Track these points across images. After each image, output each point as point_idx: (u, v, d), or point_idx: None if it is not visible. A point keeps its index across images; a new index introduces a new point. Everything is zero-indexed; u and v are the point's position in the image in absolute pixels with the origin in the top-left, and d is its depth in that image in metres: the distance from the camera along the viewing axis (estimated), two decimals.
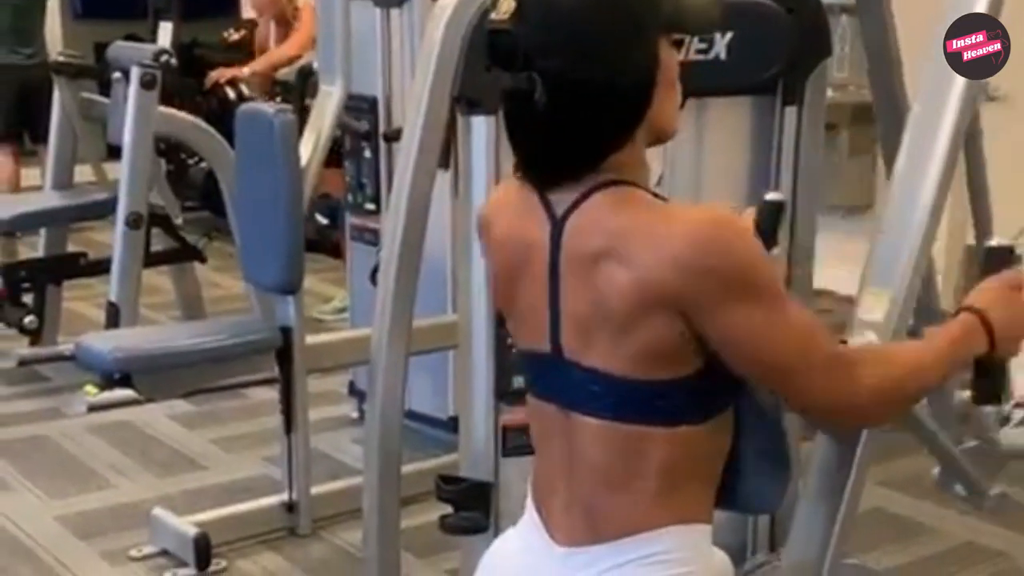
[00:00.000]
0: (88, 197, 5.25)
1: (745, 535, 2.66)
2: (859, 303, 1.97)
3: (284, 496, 3.68)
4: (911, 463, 4.13)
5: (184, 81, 6.55)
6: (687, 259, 1.46)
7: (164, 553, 3.54)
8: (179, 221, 5.07)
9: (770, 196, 1.88)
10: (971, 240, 3.12)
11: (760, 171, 2.62)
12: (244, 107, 3.77)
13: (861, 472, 1.95)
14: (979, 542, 3.61)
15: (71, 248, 5.30)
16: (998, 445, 2.17)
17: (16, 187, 6.56)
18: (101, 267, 4.89)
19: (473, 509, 2.39)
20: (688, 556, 1.58)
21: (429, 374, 4.01)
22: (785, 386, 1.56)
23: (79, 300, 5.64)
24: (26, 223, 5.17)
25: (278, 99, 6.33)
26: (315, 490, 3.72)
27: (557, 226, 1.55)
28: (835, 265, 3.54)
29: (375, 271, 3.38)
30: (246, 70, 6.89)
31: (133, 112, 4.50)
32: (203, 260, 5.28)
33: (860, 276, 2.00)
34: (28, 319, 4.97)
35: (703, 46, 2.37)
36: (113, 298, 4.54)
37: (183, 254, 5.15)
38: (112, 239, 4.68)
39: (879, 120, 2.67)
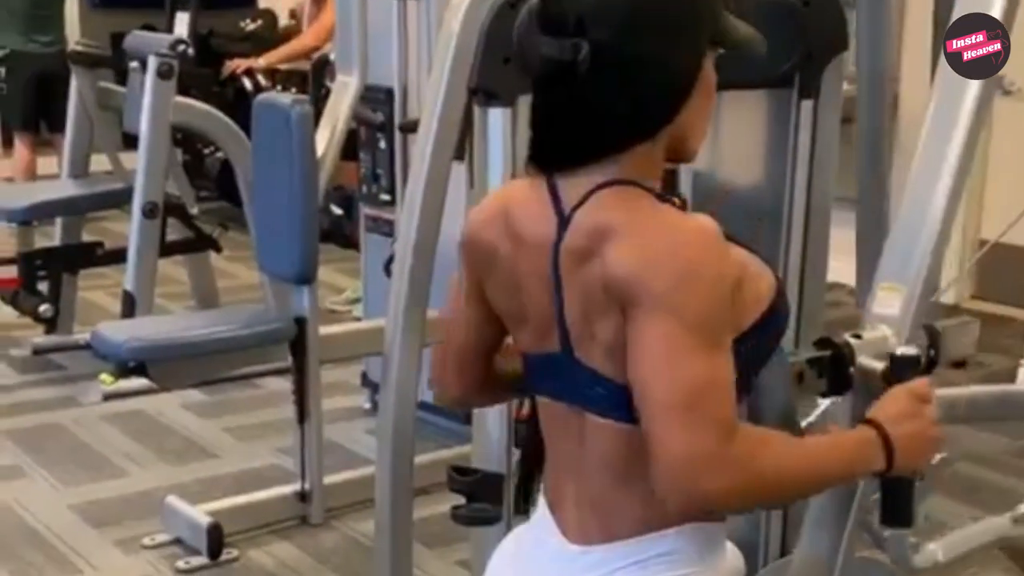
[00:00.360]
0: (104, 186, 5.27)
1: (757, 532, 2.65)
2: (873, 297, 1.97)
3: (297, 485, 3.69)
4: None
5: (201, 71, 6.57)
6: (644, 261, 1.43)
7: (177, 541, 3.56)
8: (195, 211, 5.08)
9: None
10: (985, 234, 3.12)
11: (776, 164, 2.61)
12: (261, 97, 3.77)
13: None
14: None
15: (87, 237, 5.32)
16: (914, 570, 2.10)
17: (32, 176, 6.58)
18: (117, 256, 4.91)
19: (485, 500, 2.39)
20: (701, 555, 1.57)
21: None
22: (649, 420, 1.42)
23: (95, 289, 5.66)
24: (42, 212, 5.18)
25: (293, 89, 6.34)
26: (328, 480, 3.73)
27: (563, 224, 1.53)
28: (848, 259, 3.54)
29: (389, 262, 3.38)
30: (262, 61, 6.90)
31: (150, 102, 4.51)
32: (218, 250, 5.29)
33: (877, 269, 2.00)
34: (44, 308, 4.98)
35: None
36: (129, 287, 4.55)
37: (198, 244, 5.16)
38: (128, 229, 4.69)
39: (859, 108, 2.65)
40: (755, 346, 1.55)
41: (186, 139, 6.46)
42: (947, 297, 5.41)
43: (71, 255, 5.16)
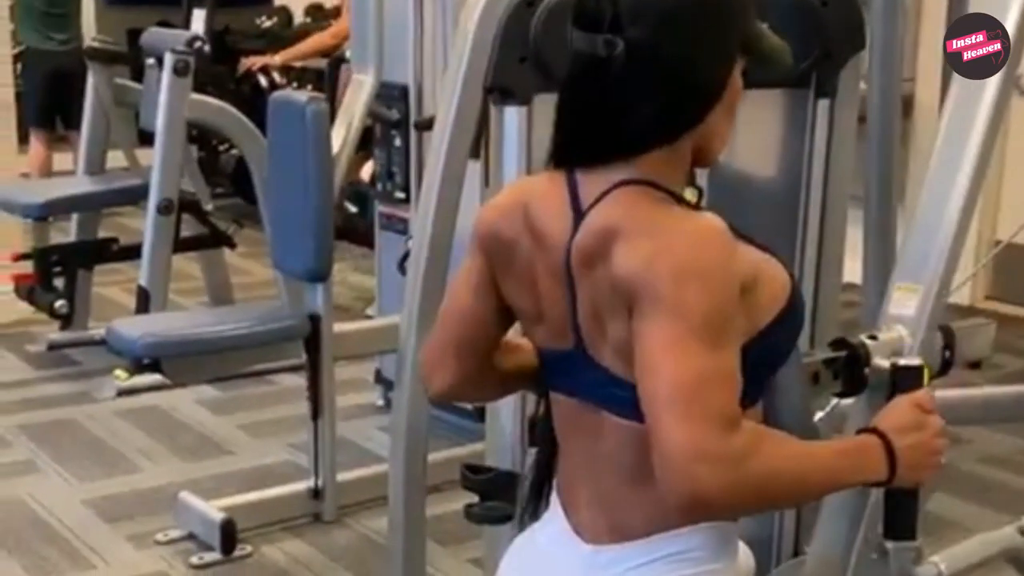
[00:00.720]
0: (120, 183, 5.29)
1: (771, 531, 2.65)
2: (889, 297, 1.97)
3: (310, 482, 3.70)
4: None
5: (216, 68, 6.58)
6: (649, 261, 1.42)
7: (190, 537, 3.57)
8: (209, 207, 5.09)
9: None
10: (1000, 235, 3.11)
11: (793, 163, 2.61)
12: (276, 95, 3.78)
13: None
14: None
15: (102, 233, 5.33)
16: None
17: (48, 172, 6.60)
18: (132, 252, 4.92)
19: (499, 499, 2.39)
20: (714, 554, 1.57)
21: None
22: (651, 415, 1.40)
23: (110, 285, 5.68)
24: (58, 208, 5.20)
25: (309, 87, 6.35)
26: (341, 477, 3.73)
27: (579, 220, 1.53)
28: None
29: (404, 260, 3.39)
30: (277, 58, 6.91)
31: (166, 98, 4.52)
32: (233, 246, 5.30)
33: (893, 270, 1.99)
34: (59, 303, 5.00)
35: None
36: (143, 283, 4.57)
37: (213, 240, 5.17)
38: (143, 225, 4.70)
39: (869, 107, 2.65)
40: (771, 346, 1.54)
41: (201, 136, 6.46)
42: (961, 298, 5.40)
43: (86, 251, 5.18)
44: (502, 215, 1.64)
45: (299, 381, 3.89)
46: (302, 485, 3.73)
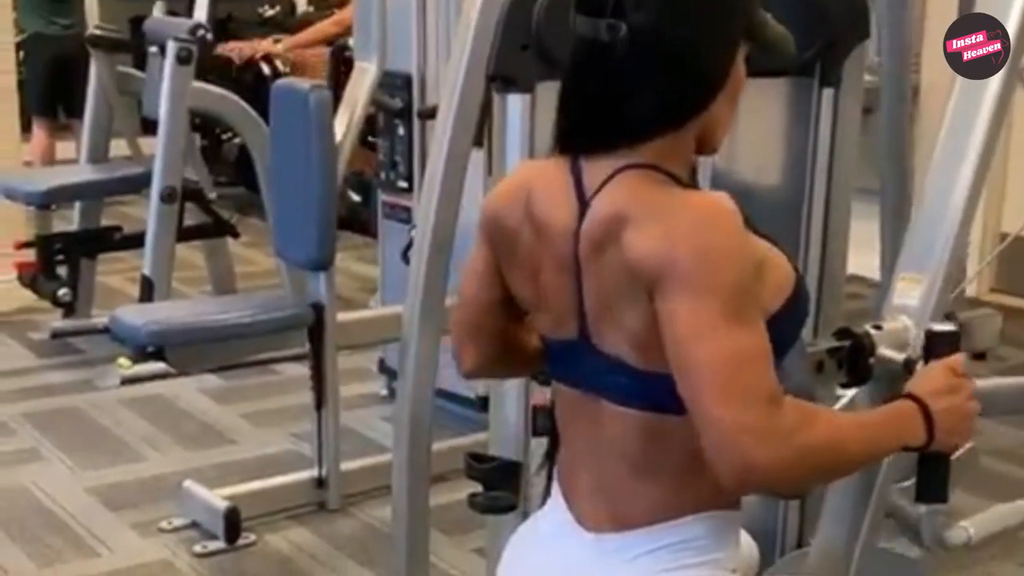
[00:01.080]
0: (123, 171, 5.28)
1: (775, 522, 2.65)
2: (893, 288, 1.96)
3: (314, 471, 3.70)
4: None
5: (219, 56, 6.57)
6: (665, 242, 1.43)
7: (194, 525, 3.57)
8: (212, 196, 5.08)
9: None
10: (1005, 227, 3.11)
11: (797, 153, 2.60)
12: (279, 83, 3.77)
13: (893, 459, 1.93)
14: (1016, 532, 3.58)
15: (105, 222, 5.33)
16: (947, 546, 2.10)
17: (50, 161, 6.59)
18: (135, 241, 4.92)
19: (502, 488, 2.39)
20: (717, 542, 1.57)
21: None
22: (696, 397, 1.41)
23: (113, 274, 5.68)
24: (61, 196, 5.20)
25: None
26: (344, 466, 3.73)
27: (584, 208, 1.53)
28: (866, 251, 3.51)
29: (407, 249, 3.38)
30: (280, 46, 6.90)
31: (168, 86, 4.51)
32: (236, 235, 5.29)
33: (897, 261, 1.99)
34: (62, 292, 5.00)
35: None
36: (147, 272, 4.57)
37: (216, 229, 5.16)
38: (146, 214, 4.70)
39: (884, 96, 2.64)
40: (775, 337, 1.53)
41: (204, 124, 6.46)
42: (967, 290, 5.38)
43: (89, 239, 5.18)
44: (505, 203, 1.63)
45: (302, 370, 3.89)
46: (306, 474, 3.73)
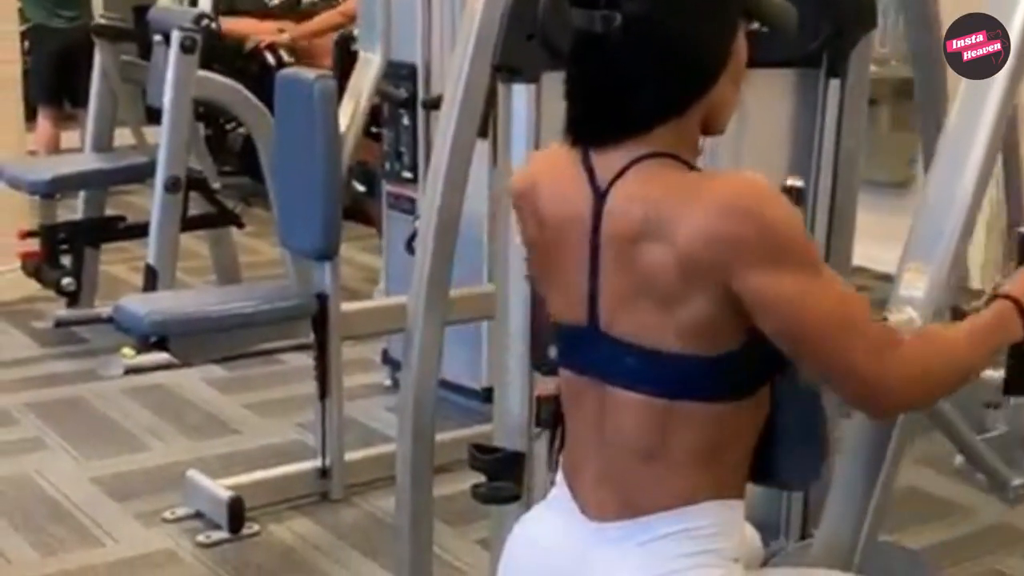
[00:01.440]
0: (127, 161, 5.27)
1: (779, 514, 2.65)
2: (899, 279, 1.95)
3: (317, 462, 3.70)
4: (947, 442, 4.11)
5: (224, 45, 6.55)
6: (718, 229, 1.44)
7: (197, 515, 3.57)
8: (217, 186, 5.08)
9: None
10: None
11: (803, 144, 2.59)
12: (284, 72, 3.76)
13: (897, 452, 1.93)
14: (1016, 524, 3.58)
15: (109, 211, 5.33)
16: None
17: (55, 150, 6.59)
18: (139, 231, 4.92)
19: (506, 479, 2.39)
20: (721, 531, 1.57)
21: (464, 344, 4.00)
22: (818, 358, 1.51)
23: (117, 263, 5.68)
24: (65, 185, 5.20)
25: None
26: (348, 456, 3.73)
27: (600, 199, 1.54)
28: (873, 242, 3.50)
29: (412, 240, 3.38)
30: (285, 36, 6.89)
31: (173, 76, 4.51)
32: (240, 225, 5.29)
33: (901, 252, 1.98)
34: (66, 281, 5.00)
35: None
36: (151, 261, 4.57)
37: (220, 219, 5.16)
38: (150, 203, 4.70)
39: (918, 94, 2.63)
40: (750, 359, 1.56)
41: (209, 114, 6.45)
42: (973, 282, 5.37)
43: (93, 229, 5.18)
44: (523, 190, 1.67)
45: (306, 361, 3.89)
46: (310, 464, 3.73)
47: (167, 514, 3.59)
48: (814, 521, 2.41)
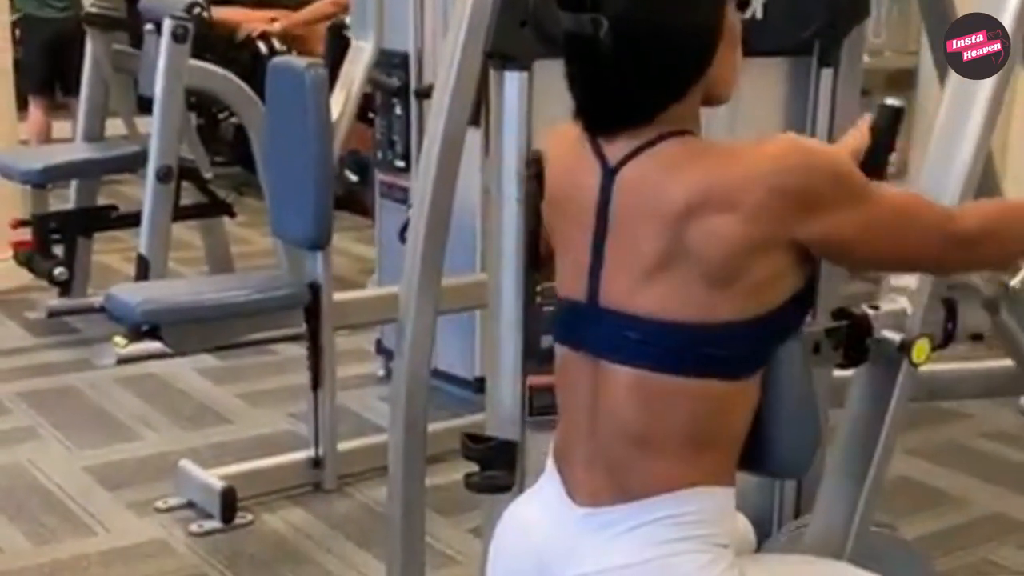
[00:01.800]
0: (119, 150, 5.26)
1: (771, 502, 2.64)
2: None
3: (310, 452, 3.70)
4: (940, 432, 4.13)
5: (216, 34, 6.53)
6: (783, 185, 1.49)
7: (190, 505, 3.57)
8: (209, 176, 5.07)
9: (889, 101, 1.96)
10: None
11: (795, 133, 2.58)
12: (275, 61, 3.75)
13: (889, 440, 1.93)
14: (1008, 513, 3.59)
15: (101, 201, 5.32)
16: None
17: (47, 140, 6.57)
18: (131, 220, 4.91)
19: (498, 468, 2.38)
20: (712, 517, 1.58)
21: (456, 334, 4.00)
22: (910, 265, 1.76)
23: (109, 253, 5.67)
24: (57, 175, 5.18)
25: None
26: (341, 446, 3.73)
27: (608, 175, 1.56)
28: None
29: (404, 229, 3.37)
30: (277, 25, 6.87)
31: (164, 65, 4.49)
32: (232, 215, 5.28)
33: None
34: (58, 271, 4.99)
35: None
36: (143, 251, 4.55)
37: (212, 209, 5.15)
38: (142, 193, 4.68)
39: (942, 80, 2.62)
40: (784, 319, 1.59)
41: (201, 103, 6.43)
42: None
43: (85, 218, 5.17)
44: (551, 149, 1.72)
45: (299, 351, 3.89)
46: (302, 454, 3.73)
47: (160, 504, 3.59)
48: (806, 510, 2.41)
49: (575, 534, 1.60)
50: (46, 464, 3.86)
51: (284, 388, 4.39)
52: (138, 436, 4.10)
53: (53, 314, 5.13)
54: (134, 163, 5.06)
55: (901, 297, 1.92)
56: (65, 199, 5.32)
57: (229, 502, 3.46)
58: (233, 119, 6.47)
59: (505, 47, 2.31)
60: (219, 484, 3.49)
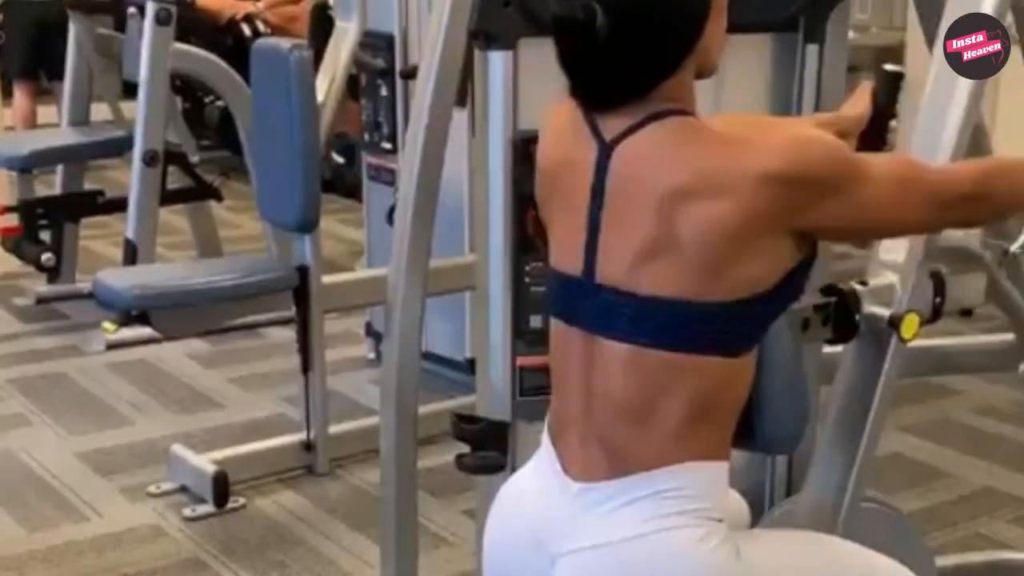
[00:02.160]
0: (104, 135, 5.24)
1: (764, 478, 2.65)
2: (879, 244, 1.95)
3: (302, 435, 3.70)
4: (931, 409, 4.14)
5: (199, 17, 6.49)
6: (784, 173, 1.50)
7: (182, 490, 3.57)
8: (195, 159, 5.05)
9: (889, 67, 1.96)
10: None
11: (781, 110, 2.58)
12: (259, 43, 3.73)
13: (880, 415, 1.94)
14: (999, 488, 3.60)
15: (88, 186, 5.30)
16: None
17: (32, 125, 6.54)
18: (118, 205, 4.89)
19: (490, 448, 2.39)
20: (706, 492, 1.58)
21: (447, 315, 4.00)
22: (908, 230, 1.79)
23: (96, 238, 5.65)
24: (42, 160, 5.16)
25: None
26: (333, 430, 3.73)
27: (604, 151, 1.57)
28: None
29: (392, 211, 3.36)
30: (261, 4, 6.83)
31: (148, 48, 4.46)
32: (219, 199, 5.26)
33: None
34: (45, 257, 4.98)
35: None
36: (130, 236, 4.54)
37: (199, 192, 5.13)
38: (128, 177, 4.67)
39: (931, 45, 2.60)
40: (782, 295, 1.60)
41: (186, 87, 6.40)
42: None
43: (72, 203, 5.15)
44: (548, 124, 1.71)
45: (289, 335, 3.89)
46: (294, 438, 3.73)
47: (152, 489, 3.59)
48: (799, 486, 2.42)
49: (570, 509, 1.61)
50: (38, 451, 3.86)
51: (275, 372, 4.38)
52: (129, 421, 4.09)
53: (41, 300, 5.12)
54: (120, 148, 5.04)
55: (889, 272, 1.92)
56: (51, 185, 5.30)
57: (221, 486, 3.46)
58: (219, 102, 6.43)
59: (489, 26, 2.30)
60: (211, 468, 3.49)
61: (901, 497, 3.40)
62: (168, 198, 4.85)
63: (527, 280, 2.35)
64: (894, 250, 1.93)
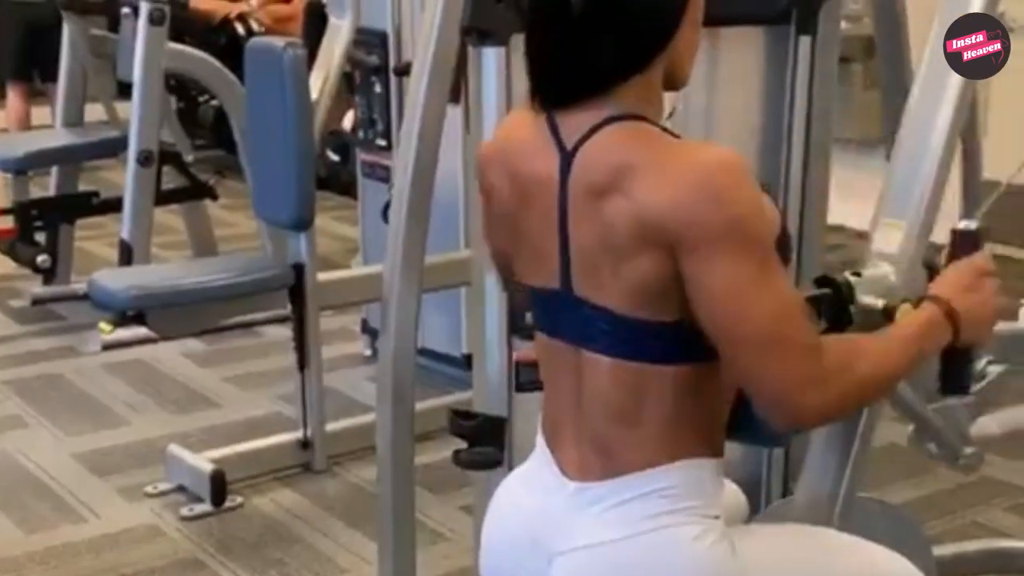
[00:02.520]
0: (99, 135, 5.24)
1: (760, 470, 2.66)
2: (873, 235, 1.96)
3: (299, 433, 3.70)
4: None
5: (193, 16, 6.50)
6: (686, 199, 1.44)
7: (180, 489, 3.57)
8: (190, 159, 5.05)
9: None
10: (987, 174, 3.12)
11: (774, 102, 2.58)
12: (253, 42, 3.73)
13: (875, 407, 1.94)
14: (995, 476, 3.60)
15: (82, 187, 5.30)
16: (967, 441, 2.13)
17: (26, 127, 6.54)
18: (113, 206, 4.89)
19: (487, 444, 2.39)
20: (700, 489, 1.58)
21: (443, 312, 4.00)
22: (743, 356, 1.47)
23: (91, 239, 5.65)
24: (37, 161, 5.16)
25: None
26: (329, 427, 3.74)
27: (566, 159, 1.54)
28: (847, 200, 3.51)
29: (387, 208, 3.36)
30: (254, 3, 6.84)
31: (142, 48, 4.46)
32: (214, 198, 5.26)
33: (875, 208, 1.98)
34: (41, 258, 4.98)
35: None
36: (125, 236, 4.54)
37: (194, 192, 5.13)
38: (123, 178, 4.66)
39: (880, 49, 2.62)
40: None
41: (180, 86, 6.40)
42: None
43: (67, 204, 5.15)
44: (489, 157, 1.67)
45: (285, 333, 3.89)
46: (291, 436, 3.73)
47: (149, 489, 3.59)
48: (795, 478, 2.43)
49: (566, 509, 1.61)
50: (35, 452, 3.86)
51: (271, 370, 4.38)
52: (126, 422, 4.09)
53: (37, 302, 5.12)
54: (115, 148, 5.04)
55: (884, 263, 1.93)
56: (46, 186, 5.30)
57: (219, 485, 3.46)
58: (213, 102, 6.44)
59: (482, 22, 2.31)
60: (208, 467, 3.49)
61: (898, 487, 3.42)
62: (163, 198, 4.84)
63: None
64: (889, 240, 1.93)
